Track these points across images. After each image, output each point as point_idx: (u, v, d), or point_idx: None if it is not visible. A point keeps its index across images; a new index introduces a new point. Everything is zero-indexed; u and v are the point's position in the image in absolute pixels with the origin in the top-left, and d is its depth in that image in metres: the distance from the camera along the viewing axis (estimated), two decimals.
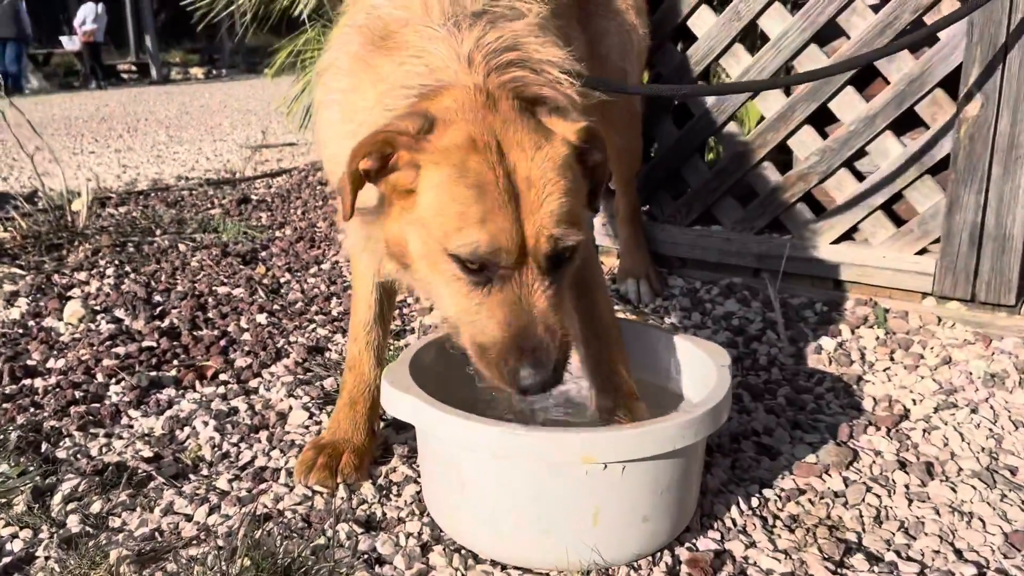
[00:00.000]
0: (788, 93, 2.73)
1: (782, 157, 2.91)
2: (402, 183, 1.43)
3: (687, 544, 1.62)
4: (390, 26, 1.54)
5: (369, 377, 1.93)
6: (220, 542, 1.61)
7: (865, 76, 2.68)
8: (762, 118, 2.87)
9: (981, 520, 1.69)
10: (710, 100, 2.88)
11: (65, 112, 12.39)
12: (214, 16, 5.73)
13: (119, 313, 2.89)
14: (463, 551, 1.59)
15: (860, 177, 2.72)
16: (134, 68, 21.84)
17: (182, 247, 3.75)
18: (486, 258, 1.37)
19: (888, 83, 2.57)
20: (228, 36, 25.53)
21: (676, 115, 3.07)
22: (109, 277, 3.28)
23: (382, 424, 2.07)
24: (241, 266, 3.47)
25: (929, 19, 2.48)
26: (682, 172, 3.01)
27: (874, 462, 1.91)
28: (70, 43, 19.65)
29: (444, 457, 1.54)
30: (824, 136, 2.72)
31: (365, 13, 1.60)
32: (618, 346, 1.81)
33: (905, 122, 2.64)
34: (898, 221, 2.68)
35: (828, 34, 2.72)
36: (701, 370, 1.74)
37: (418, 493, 1.78)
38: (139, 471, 1.88)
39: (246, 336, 2.69)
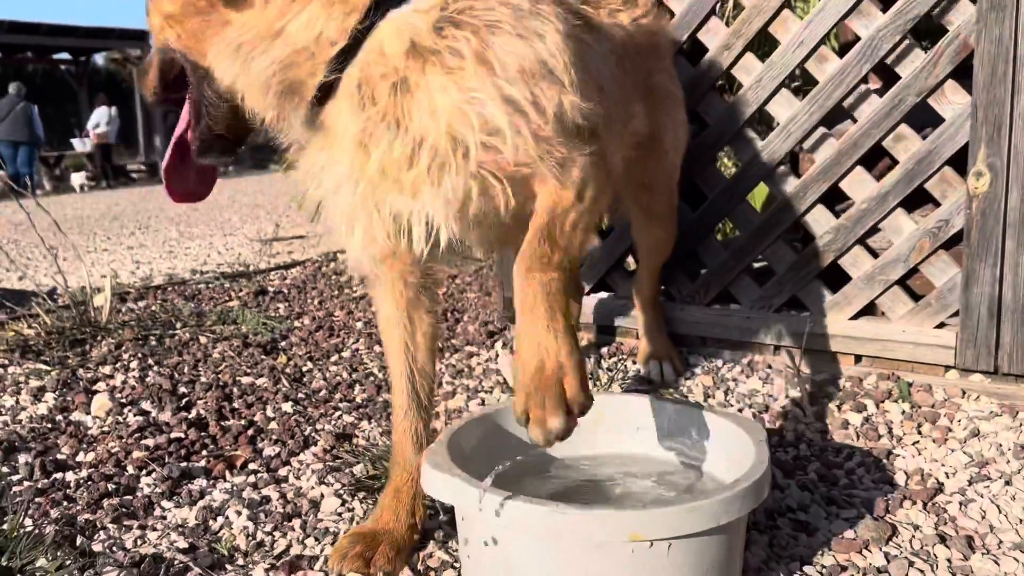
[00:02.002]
0: (798, 175, 2.81)
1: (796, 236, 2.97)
2: None
3: None
4: None
5: (411, 465, 1.89)
6: None
7: (873, 156, 2.77)
8: (769, 198, 2.93)
9: None
10: (722, 183, 2.96)
11: (77, 212, 12.63)
12: None
13: (146, 405, 2.91)
14: None
15: (875, 255, 2.77)
16: (143, 167, 22.32)
17: (203, 339, 3.79)
18: None
19: (896, 162, 2.64)
20: None
21: (689, 197, 3.15)
22: (134, 370, 3.31)
23: (428, 513, 2.06)
24: (263, 356, 3.50)
25: (933, 101, 2.57)
26: (698, 253, 3.07)
27: (913, 536, 1.90)
28: (81, 145, 20.14)
29: (488, 539, 1.54)
30: (837, 215, 2.79)
31: None
32: None
33: (916, 199, 2.71)
34: (915, 296, 2.73)
35: (836, 118, 2.82)
36: (738, 446, 1.75)
37: None
38: (176, 562, 1.88)
39: (273, 425, 2.71)
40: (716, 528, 1.46)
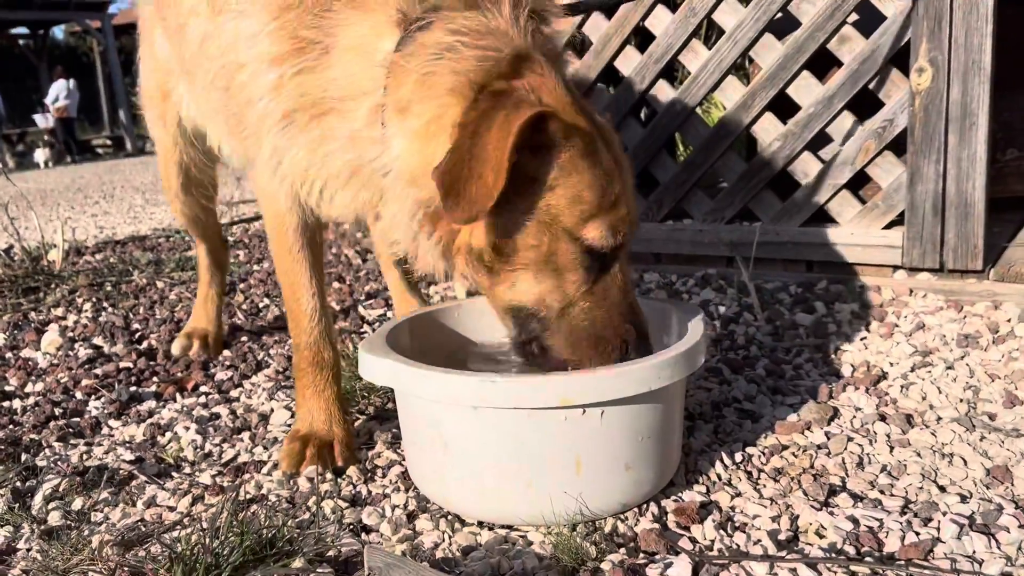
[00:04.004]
0: (747, 82, 2.80)
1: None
2: (523, 168, 1.37)
3: (673, 497, 1.62)
4: None
5: (330, 362, 1.90)
6: (204, 525, 1.59)
7: (823, 65, 2.76)
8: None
9: (963, 459, 1.70)
10: (672, 95, 2.95)
11: (40, 185, 12.40)
12: None
13: (97, 341, 2.88)
14: (449, 516, 1.58)
15: (825, 162, 2.78)
16: (109, 142, 21.95)
17: (159, 284, 3.75)
18: (616, 244, 1.43)
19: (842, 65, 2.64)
20: None
21: (640, 114, 3.14)
22: (87, 311, 3.28)
23: (358, 418, 2.07)
24: None
25: (876, 0, 2.56)
26: (650, 169, 3.06)
27: (855, 416, 1.92)
28: (43, 121, 19.75)
29: (426, 419, 1.54)
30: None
31: None
32: None
33: (867, 107, 2.71)
34: (864, 202, 2.73)
35: (784, 25, 2.81)
36: (676, 326, 1.76)
37: (403, 473, 1.77)
38: (121, 471, 1.86)
39: (226, 353, 2.69)
40: (649, 394, 1.46)
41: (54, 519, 1.67)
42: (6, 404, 2.34)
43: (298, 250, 1.86)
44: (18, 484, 1.81)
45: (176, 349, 2.66)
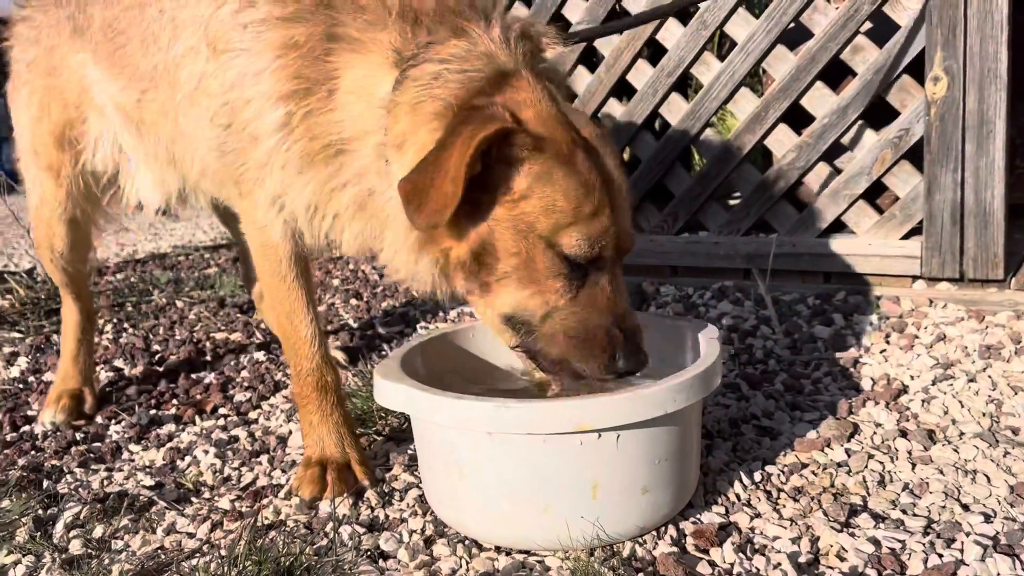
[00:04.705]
0: (760, 94, 2.79)
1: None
2: (497, 179, 1.44)
3: (691, 519, 1.60)
4: None
5: (332, 385, 1.90)
6: (223, 552, 1.60)
7: (836, 75, 2.75)
8: None
9: (986, 476, 1.68)
10: (685, 108, 2.94)
11: None
12: None
13: (118, 363, 2.90)
14: (467, 541, 1.58)
15: (840, 172, 2.76)
16: None
17: (179, 303, 3.78)
18: (592, 254, 1.45)
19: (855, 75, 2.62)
20: None
21: (654, 127, 3.13)
22: (108, 333, 3.31)
23: (375, 439, 2.07)
24: (239, 315, 3.49)
25: (888, 9, 2.54)
26: (665, 182, 3.05)
27: (875, 432, 1.90)
28: None
29: (441, 444, 1.54)
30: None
31: None
32: None
33: (881, 116, 2.69)
34: (881, 211, 2.71)
35: (796, 36, 2.79)
36: (692, 345, 1.75)
37: (420, 496, 1.77)
38: (141, 497, 1.88)
39: (244, 373, 2.70)
40: (665, 417, 1.46)
41: (75, 547, 1.68)
42: (27, 429, 2.36)
43: (292, 279, 1.87)
44: (40, 512, 1.83)
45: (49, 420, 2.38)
